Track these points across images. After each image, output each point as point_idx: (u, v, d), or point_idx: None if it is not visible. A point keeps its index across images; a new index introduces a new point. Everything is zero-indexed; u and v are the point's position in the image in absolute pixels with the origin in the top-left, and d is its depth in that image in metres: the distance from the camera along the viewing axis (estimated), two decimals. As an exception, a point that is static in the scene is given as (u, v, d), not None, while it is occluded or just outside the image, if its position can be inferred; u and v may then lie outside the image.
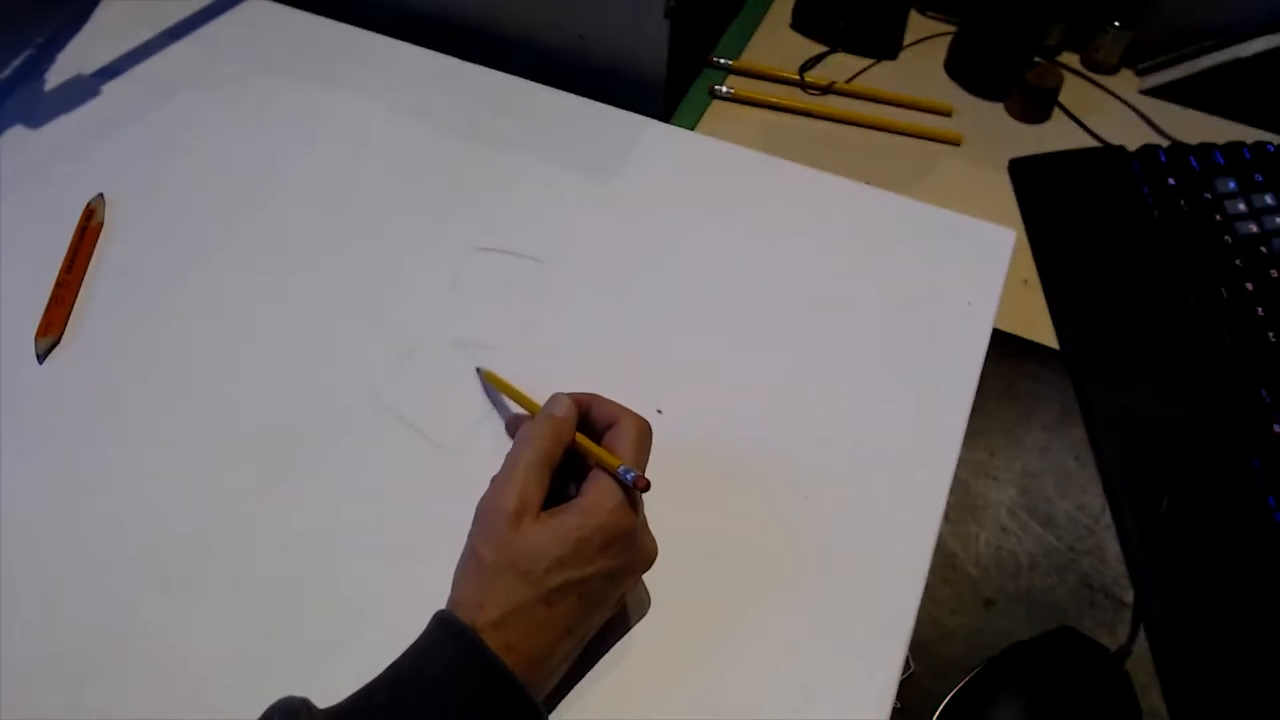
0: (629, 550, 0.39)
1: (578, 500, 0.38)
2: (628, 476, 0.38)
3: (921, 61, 0.71)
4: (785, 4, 0.73)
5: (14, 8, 0.66)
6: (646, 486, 0.38)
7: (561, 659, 0.38)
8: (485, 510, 0.39)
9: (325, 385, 0.49)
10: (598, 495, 0.38)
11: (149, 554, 0.44)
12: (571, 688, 0.41)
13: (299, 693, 0.36)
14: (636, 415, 0.41)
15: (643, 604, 0.43)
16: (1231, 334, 0.55)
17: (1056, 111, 0.68)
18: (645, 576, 0.41)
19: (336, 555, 0.44)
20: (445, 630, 0.36)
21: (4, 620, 0.42)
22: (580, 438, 0.41)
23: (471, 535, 0.39)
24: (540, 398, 0.43)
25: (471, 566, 0.38)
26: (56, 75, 0.62)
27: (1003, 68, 0.68)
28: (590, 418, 0.42)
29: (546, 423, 0.40)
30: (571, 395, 0.42)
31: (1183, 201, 0.61)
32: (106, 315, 0.52)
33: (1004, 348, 0.55)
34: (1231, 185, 0.61)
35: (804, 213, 0.57)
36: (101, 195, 0.56)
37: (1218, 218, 0.60)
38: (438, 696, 0.35)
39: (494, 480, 0.40)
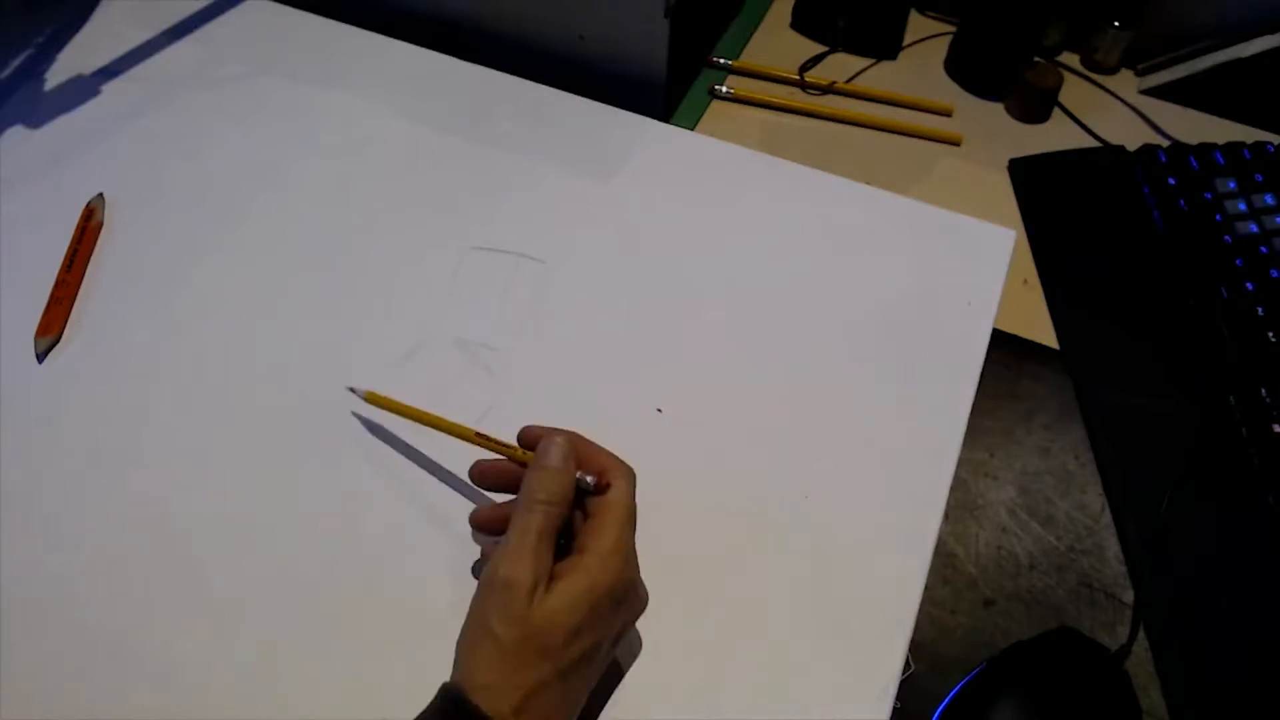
0: (634, 602, 0.38)
1: (584, 557, 0.36)
2: (587, 480, 0.37)
3: (921, 61, 0.71)
4: (785, 4, 0.73)
5: (14, 8, 0.66)
6: (608, 487, 0.38)
7: None
8: (498, 586, 0.35)
9: (325, 384, 0.49)
10: (604, 547, 0.36)
11: (148, 553, 0.44)
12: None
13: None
14: (624, 464, 0.39)
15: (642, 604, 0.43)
16: (1231, 334, 0.55)
17: (1056, 111, 0.68)
18: (645, 577, 0.41)
19: (335, 554, 0.44)
20: None
21: (4, 620, 0.42)
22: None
23: (482, 611, 0.35)
24: (540, 398, 0.43)
25: (487, 645, 0.35)
26: (56, 75, 0.62)
27: (1003, 68, 0.68)
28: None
29: (550, 479, 0.37)
30: (560, 435, 0.39)
31: (1183, 201, 0.61)
32: (106, 315, 0.52)
33: (1004, 348, 0.55)
34: (1231, 185, 0.61)
35: (804, 212, 0.57)
36: (101, 195, 0.56)
37: (1218, 218, 0.60)
38: None
39: (501, 550, 0.36)
